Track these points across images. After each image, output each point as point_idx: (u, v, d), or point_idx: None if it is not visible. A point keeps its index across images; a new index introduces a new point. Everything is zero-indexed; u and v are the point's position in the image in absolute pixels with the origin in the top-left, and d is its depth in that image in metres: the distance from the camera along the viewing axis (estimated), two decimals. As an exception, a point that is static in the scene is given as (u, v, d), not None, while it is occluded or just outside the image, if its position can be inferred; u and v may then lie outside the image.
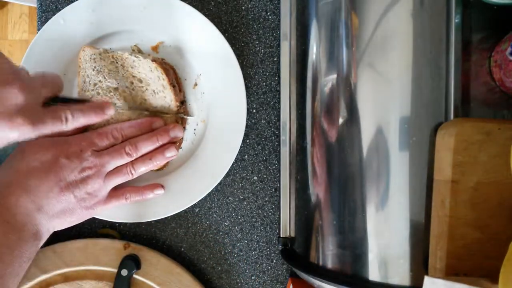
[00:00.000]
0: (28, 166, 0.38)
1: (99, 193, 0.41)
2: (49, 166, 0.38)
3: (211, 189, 0.46)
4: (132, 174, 0.42)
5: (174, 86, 0.45)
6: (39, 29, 0.49)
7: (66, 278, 0.47)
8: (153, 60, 0.44)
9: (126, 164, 0.42)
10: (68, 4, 0.46)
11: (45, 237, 0.40)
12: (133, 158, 0.42)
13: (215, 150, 0.46)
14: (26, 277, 0.47)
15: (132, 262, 0.45)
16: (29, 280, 0.47)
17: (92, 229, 0.50)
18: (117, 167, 0.42)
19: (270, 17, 0.49)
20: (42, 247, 0.48)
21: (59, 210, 0.39)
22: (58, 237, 0.50)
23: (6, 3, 1.37)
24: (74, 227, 0.50)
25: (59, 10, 0.49)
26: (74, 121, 0.39)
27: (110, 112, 0.41)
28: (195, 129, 0.47)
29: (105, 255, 0.47)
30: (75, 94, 0.46)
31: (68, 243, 0.47)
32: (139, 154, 0.42)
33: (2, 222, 0.36)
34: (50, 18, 0.46)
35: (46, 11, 0.50)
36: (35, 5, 0.51)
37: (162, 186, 0.46)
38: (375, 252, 0.36)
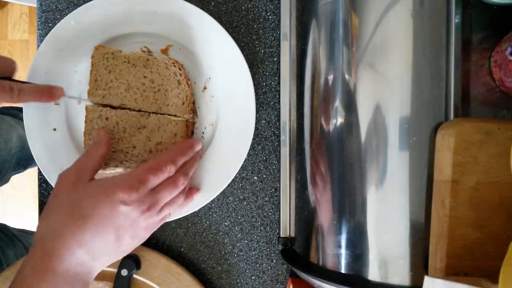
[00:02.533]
0: (81, 215, 0.35)
1: (153, 226, 0.40)
2: (104, 217, 0.35)
3: (219, 192, 0.46)
4: (184, 203, 0.42)
5: (189, 82, 0.45)
6: (39, 29, 0.49)
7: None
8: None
9: (179, 194, 0.41)
10: (68, 4, 0.46)
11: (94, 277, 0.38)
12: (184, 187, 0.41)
13: (223, 153, 0.46)
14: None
15: (132, 262, 0.45)
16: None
17: (92, 229, 0.50)
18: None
19: (270, 17, 0.49)
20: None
21: (114, 254, 0.38)
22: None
23: (6, 3, 1.37)
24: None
25: (59, 10, 0.49)
26: (21, 95, 0.41)
27: (59, 94, 0.44)
28: (203, 133, 0.47)
29: (105, 255, 0.47)
30: (85, 93, 0.46)
31: (68, 243, 0.47)
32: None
33: (52, 274, 0.34)
34: (50, 18, 0.46)
35: (46, 11, 0.50)
36: (35, 5, 0.51)
37: (198, 189, 0.46)
38: (375, 252, 0.36)
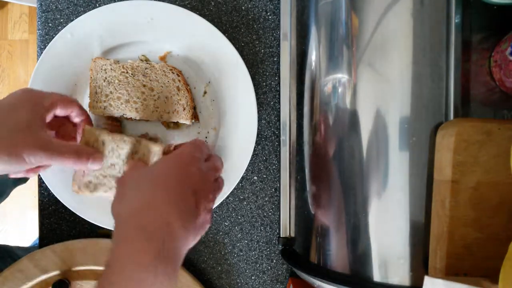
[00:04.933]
0: (164, 188, 0.34)
1: (213, 198, 0.38)
2: (181, 180, 0.34)
3: (225, 197, 0.46)
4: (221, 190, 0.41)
5: (188, 87, 0.45)
6: (39, 29, 0.49)
7: (66, 278, 0.47)
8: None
9: (220, 179, 0.40)
10: (68, 4, 0.46)
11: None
12: None
13: (227, 157, 0.46)
14: (26, 277, 0.47)
15: (132, 262, 0.45)
16: (29, 280, 0.47)
17: (92, 229, 0.50)
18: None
19: (270, 17, 0.49)
20: (42, 246, 0.48)
21: (194, 227, 0.37)
22: (58, 237, 0.50)
23: (6, 3, 1.37)
24: (74, 227, 0.51)
25: (59, 10, 0.49)
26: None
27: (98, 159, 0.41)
28: (206, 137, 0.47)
29: (105, 255, 0.46)
30: (86, 105, 0.47)
31: (68, 243, 0.47)
32: None
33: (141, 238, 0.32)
34: (50, 18, 0.46)
35: (46, 11, 0.50)
36: (35, 5, 0.51)
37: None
38: (375, 252, 0.36)
